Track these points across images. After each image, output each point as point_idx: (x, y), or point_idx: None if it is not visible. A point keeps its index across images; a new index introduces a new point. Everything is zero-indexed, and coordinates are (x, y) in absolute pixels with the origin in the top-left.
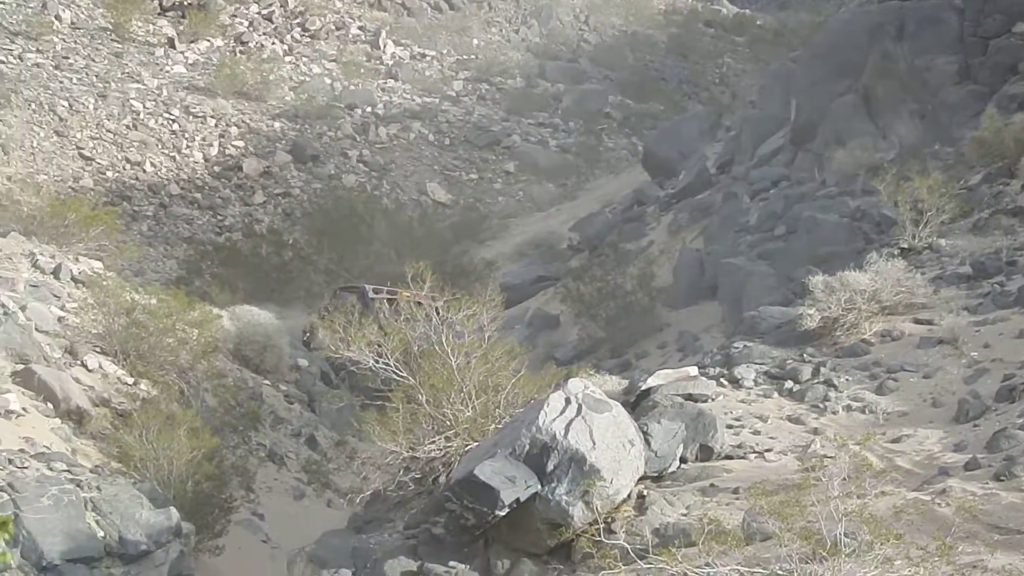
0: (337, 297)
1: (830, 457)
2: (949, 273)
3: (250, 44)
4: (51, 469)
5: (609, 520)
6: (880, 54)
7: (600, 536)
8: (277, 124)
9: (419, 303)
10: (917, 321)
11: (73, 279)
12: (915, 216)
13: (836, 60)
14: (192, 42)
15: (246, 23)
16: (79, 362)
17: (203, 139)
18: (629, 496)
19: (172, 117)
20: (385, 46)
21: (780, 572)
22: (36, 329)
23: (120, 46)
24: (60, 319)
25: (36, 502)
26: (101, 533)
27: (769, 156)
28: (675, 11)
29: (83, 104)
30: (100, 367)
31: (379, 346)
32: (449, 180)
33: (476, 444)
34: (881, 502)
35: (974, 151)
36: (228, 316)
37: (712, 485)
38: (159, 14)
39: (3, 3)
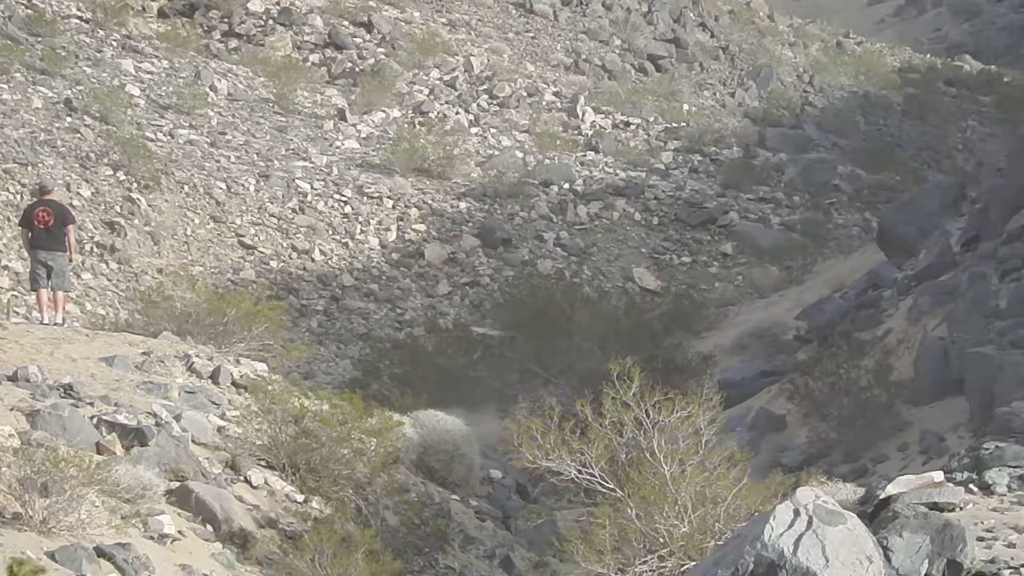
0: None
1: None
2: None
3: (431, 114)
4: None
5: None
6: None
7: None
8: (463, 204)
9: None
10: None
11: (234, 384)
12: None
13: None
14: (365, 113)
15: (426, 91)
16: (242, 478)
17: (379, 223)
18: None
19: (344, 198)
20: (584, 114)
21: None
22: (193, 441)
23: (284, 119)
24: (220, 429)
25: None
26: None
27: (1020, 231)
28: (911, 69)
29: (243, 185)
30: (266, 483)
31: (582, 454)
32: (658, 264)
33: (693, 564)
34: None
35: None
36: (410, 422)
37: None
38: (327, 83)
39: (151, 73)
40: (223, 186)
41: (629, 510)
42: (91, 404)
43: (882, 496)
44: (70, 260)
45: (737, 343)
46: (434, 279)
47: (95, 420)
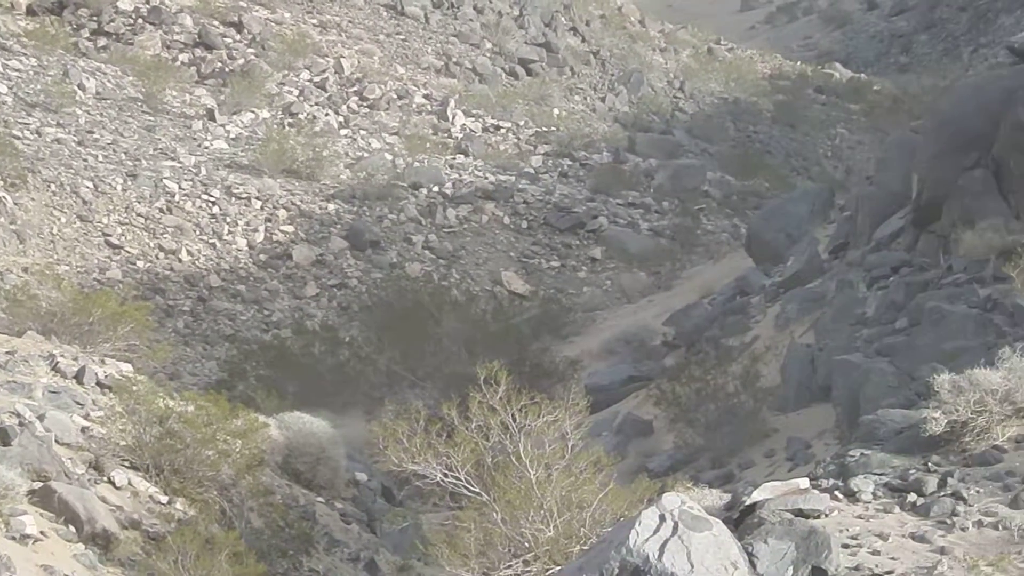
0: None
1: None
2: None
3: (300, 115)
4: None
5: None
6: (1013, 123)
7: None
8: (331, 206)
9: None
10: None
11: (98, 384)
12: None
13: (964, 130)
14: (234, 113)
15: (296, 92)
16: (105, 478)
17: (247, 224)
18: None
19: (212, 199)
20: (454, 117)
21: None
22: (56, 441)
23: (152, 119)
24: (83, 430)
25: None
26: None
27: (888, 239)
28: (782, 76)
29: (110, 185)
30: (129, 484)
31: (448, 457)
32: (527, 268)
33: (558, 568)
34: None
35: None
36: (276, 424)
37: None
38: (196, 82)
39: (18, 71)
40: (90, 185)
41: (495, 514)
42: None
43: (748, 502)
44: None
45: (605, 348)
46: (302, 281)
47: None
